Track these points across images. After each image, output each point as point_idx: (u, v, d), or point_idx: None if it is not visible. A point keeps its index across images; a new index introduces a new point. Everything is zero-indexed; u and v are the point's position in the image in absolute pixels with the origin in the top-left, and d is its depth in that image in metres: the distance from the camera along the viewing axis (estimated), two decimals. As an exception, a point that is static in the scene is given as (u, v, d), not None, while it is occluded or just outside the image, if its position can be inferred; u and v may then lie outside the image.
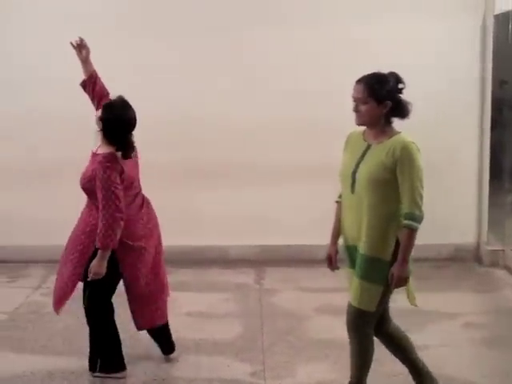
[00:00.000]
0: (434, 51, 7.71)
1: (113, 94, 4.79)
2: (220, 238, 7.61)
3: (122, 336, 4.93)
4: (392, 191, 3.88)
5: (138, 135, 4.77)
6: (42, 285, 7.14)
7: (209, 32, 7.59)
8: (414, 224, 3.90)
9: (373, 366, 4.91)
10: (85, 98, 5.10)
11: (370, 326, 4.13)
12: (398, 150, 3.84)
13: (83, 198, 7.62)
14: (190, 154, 7.63)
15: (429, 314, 6.12)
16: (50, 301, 6.45)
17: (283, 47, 7.61)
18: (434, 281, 7.26)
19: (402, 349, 4.34)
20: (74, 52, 5.06)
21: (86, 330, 5.68)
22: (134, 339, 5.27)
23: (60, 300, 4.84)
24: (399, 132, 3.96)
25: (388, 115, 3.92)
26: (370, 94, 3.82)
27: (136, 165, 4.82)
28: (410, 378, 4.80)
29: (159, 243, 4.98)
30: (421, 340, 5.46)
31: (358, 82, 3.90)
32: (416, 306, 4.17)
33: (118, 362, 4.87)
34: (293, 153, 7.60)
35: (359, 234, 3.92)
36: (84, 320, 5.91)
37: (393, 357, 5.13)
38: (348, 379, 4.43)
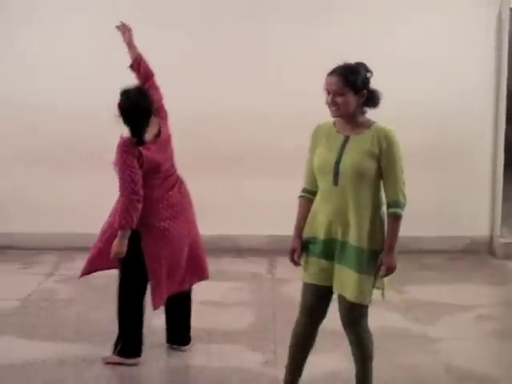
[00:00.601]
0: (448, 45, 7.68)
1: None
2: (232, 227, 7.59)
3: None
4: (375, 180, 3.83)
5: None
6: (55, 272, 7.16)
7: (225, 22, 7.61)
8: (400, 211, 3.85)
9: (384, 356, 4.92)
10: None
11: (367, 318, 4.08)
12: (382, 139, 3.81)
13: (97, 186, 7.71)
14: (201, 142, 7.62)
15: (442, 306, 6.10)
16: (62, 288, 6.54)
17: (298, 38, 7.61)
18: (447, 273, 7.24)
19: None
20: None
21: (98, 317, 5.74)
22: (147, 327, 5.25)
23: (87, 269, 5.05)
24: (375, 121, 3.92)
25: (361, 105, 3.87)
26: (345, 84, 3.74)
27: (162, 148, 4.83)
28: (422, 369, 4.80)
29: (189, 226, 4.97)
30: (434, 332, 5.48)
31: (331, 73, 3.79)
32: (384, 297, 4.04)
33: (135, 347, 4.88)
34: (305, 142, 7.54)
35: (345, 226, 3.83)
36: (96, 307, 5.97)
37: (406, 348, 5.14)
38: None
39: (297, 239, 4.01)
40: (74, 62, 7.69)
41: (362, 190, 3.80)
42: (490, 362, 5.12)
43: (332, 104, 3.79)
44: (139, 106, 4.67)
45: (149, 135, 4.72)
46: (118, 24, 5.19)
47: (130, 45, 5.12)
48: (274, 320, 5.70)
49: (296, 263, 4.02)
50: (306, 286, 4.03)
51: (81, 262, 7.39)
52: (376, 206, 3.86)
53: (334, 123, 3.94)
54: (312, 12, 7.60)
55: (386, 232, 3.90)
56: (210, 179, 7.53)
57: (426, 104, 7.66)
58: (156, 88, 5.01)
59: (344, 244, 3.84)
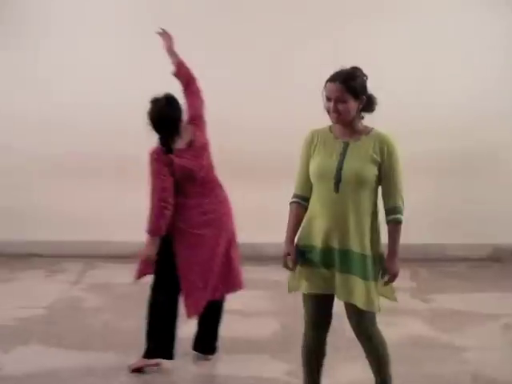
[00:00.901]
0: (477, 49, 7.69)
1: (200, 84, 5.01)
2: (255, 235, 7.57)
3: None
4: (374, 186, 3.80)
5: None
6: (80, 280, 7.19)
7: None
8: (402, 217, 3.84)
9: (410, 366, 4.90)
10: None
11: (376, 324, 4.02)
12: (384, 145, 3.79)
13: (122, 195, 7.75)
14: (226, 149, 7.61)
15: (468, 314, 6.06)
16: (88, 296, 6.57)
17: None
18: (473, 281, 7.19)
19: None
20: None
21: (124, 325, 5.76)
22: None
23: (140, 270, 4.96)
24: (372, 127, 3.88)
25: (360, 111, 3.83)
26: (347, 90, 3.70)
27: (196, 156, 4.85)
28: (448, 379, 4.76)
29: (223, 235, 4.96)
30: (460, 341, 5.43)
31: (333, 80, 3.73)
32: (397, 301, 4.03)
33: (162, 350, 4.90)
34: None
35: (344, 234, 3.77)
36: (122, 315, 5.99)
37: (432, 358, 5.10)
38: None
39: (290, 244, 3.93)
40: (92, 75, 7.83)
41: (362, 196, 3.76)
42: (517, 371, 5.07)
43: (334, 111, 3.74)
44: (166, 116, 4.72)
45: (181, 143, 4.78)
46: (160, 30, 5.16)
47: (171, 52, 5.09)
48: (297, 329, 5.66)
49: (290, 269, 3.93)
50: (308, 297, 3.95)
51: (105, 269, 7.54)
52: (374, 212, 3.83)
53: (330, 129, 3.88)
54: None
55: (379, 237, 3.88)
56: (232, 187, 7.49)
57: (453, 112, 7.64)
58: (197, 94, 4.98)
59: (345, 252, 3.78)
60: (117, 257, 7.81)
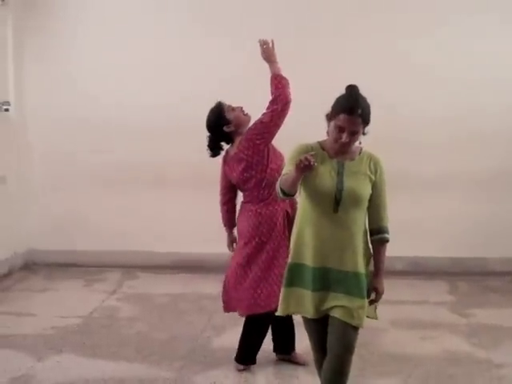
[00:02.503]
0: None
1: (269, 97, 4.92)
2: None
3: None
4: (366, 205, 3.77)
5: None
6: (118, 290, 7.23)
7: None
8: (388, 236, 3.83)
9: (447, 383, 4.82)
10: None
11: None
12: (376, 165, 3.78)
13: (159, 205, 7.79)
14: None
15: (507, 330, 5.95)
16: (124, 306, 6.60)
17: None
18: (512, 296, 7.07)
19: None
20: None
21: (158, 336, 5.76)
22: (203, 347, 5.23)
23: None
24: (361, 147, 3.82)
25: None
26: (362, 123, 3.65)
27: (232, 166, 5.05)
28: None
29: (238, 250, 5.15)
30: (498, 357, 5.33)
31: (350, 113, 3.60)
32: (377, 318, 3.90)
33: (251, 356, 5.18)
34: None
35: (340, 253, 3.70)
36: (156, 326, 6.01)
37: (469, 374, 5.02)
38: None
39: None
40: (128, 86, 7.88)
41: (358, 215, 3.74)
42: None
43: (348, 143, 3.68)
44: (208, 124, 5.08)
45: (232, 150, 5.05)
46: (261, 39, 4.99)
47: (268, 61, 4.95)
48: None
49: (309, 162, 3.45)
50: (308, 322, 3.89)
51: (143, 279, 7.57)
52: (366, 231, 3.81)
53: (322, 147, 3.79)
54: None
55: (370, 256, 3.84)
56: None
57: (499, 127, 7.58)
58: (266, 112, 4.86)
59: (341, 272, 3.72)
60: (155, 267, 7.86)
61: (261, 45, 4.91)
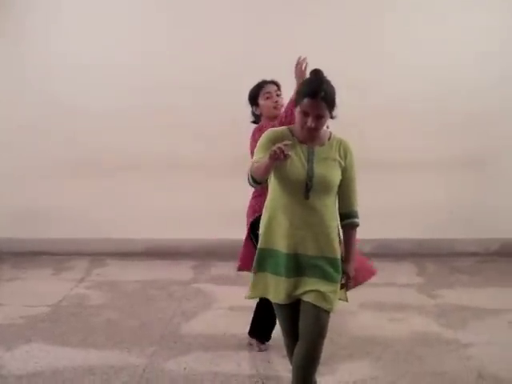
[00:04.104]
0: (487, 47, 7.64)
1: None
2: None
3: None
4: (336, 190, 3.77)
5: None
6: (86, 277, 7.19)
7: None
8: (358, 221, 3.85)
9: (415, 363, 4.88)
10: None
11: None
12: (346, 150, 3.77)
13: (129, 191, 7.74)
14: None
15: (475, 310, 6.01)
16: (93, 293, 6.56)
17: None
18: (480, 276, 7.15)
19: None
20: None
21: (128, 323, 5.75)
22: (173, 334, 5.23)
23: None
24: (330, 131, 3.82)
25: None
26: (327, 107, 3.62)
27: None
28: (453, 376, 4.71)
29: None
30: (465, 337, 5.39)
31: (313, 97, 3.58)
32: (347, 301, 3.93)
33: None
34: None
35: (313, 239, 3.70)
36: (126, 313, 5.99)
37: (437, 354, 5.07)
38: (390, 377, 4.36)
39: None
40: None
41: (329, 201, 3.74)
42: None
43: (314, 128, 3.65)
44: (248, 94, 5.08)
45: None
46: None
47: (297, 81, 4.66)
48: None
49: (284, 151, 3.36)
50: (280, 307, 3.87)
51: (112, 267, 7.53)
52: (336, 216, 3.81)
53: (292, 132, 3.77)
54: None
55: (341, 241, 3.84)
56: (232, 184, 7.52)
57: (464, 108, 7.61)
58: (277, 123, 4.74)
59: (312, 257, 3.72)
60: (124, 254, 7.83)
61: (299, 63, 4.62)
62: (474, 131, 7.65)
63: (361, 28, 7.53)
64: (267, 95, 4.98)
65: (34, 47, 7.84)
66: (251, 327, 5.30)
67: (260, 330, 5.25)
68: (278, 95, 5.01)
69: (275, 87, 5.04)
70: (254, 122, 5.11)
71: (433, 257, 7.70)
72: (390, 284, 6.71)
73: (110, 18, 7.74)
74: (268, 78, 5.08)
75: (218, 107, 7.53)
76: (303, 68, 4.56)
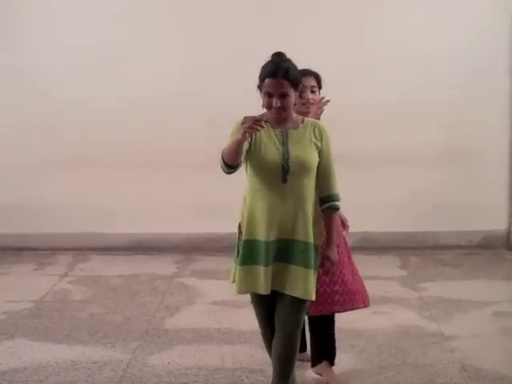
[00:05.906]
0: (465, 39, 7.63)
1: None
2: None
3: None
4: (314, 173, 3.76)
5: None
6: (69, 273, 7.15)
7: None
8: (339, 204, 3.83)
9: (398, 356, 4.89)
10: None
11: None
12: (321, 131, 3.77)
13: (111, 187, 7.71)
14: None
15: (458, 302, 6.03)
16: (76, 289, 6.54)
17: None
18: (463, 268, 7.17)
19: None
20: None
21: (111, 318, 5.74)
22: (156, 328, 5.21)
23: None
24: (302, 116, 3.85)
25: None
26: (290, 84, 3.62)
27: None
28: (436, 368, 4.73)
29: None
30: (449, 330, 5.41)
31: (273, 76, 3.59)
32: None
33: None
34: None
35: (292, 224, 3.70)
36: (110, 308, 5.96)
37: (421, 347, 5.08)
38: (373, 369, 4.37)
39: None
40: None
41: (307, 184, 3.73)
42: (507, 360, 5.00)
43: (281, 108, 3.64)
44: None
45: None
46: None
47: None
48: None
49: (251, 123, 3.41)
50: (257, 297, 3.87)
51: (95, 262, 7.51)
52: (316, 200, 3.80)
53: (264, 117, 3.71)
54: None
55: (321, 225, 3.83)
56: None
57: (447, 100, 7.63)
58: None
59: (291, 242, 3.72)
60: (107, 249, 7.80)
61: (320, 107, 4.36)
62: (457, 124, 7.66)
63: (346, 22, 7.54)
64: (301, 89, 4.17)
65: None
66: (313, 355, 4.67)
67: (327, 349, 4.65)
68: (313, 91, 4.40)
69: (313, 81, 4.42)
70: None
71: (416, 250, 7.72)
72: (373, 277, 6.68)
73: (109, 18, 7.71)
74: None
75: (207, 102, 7.54)
76: (320, 111, 4.34)
